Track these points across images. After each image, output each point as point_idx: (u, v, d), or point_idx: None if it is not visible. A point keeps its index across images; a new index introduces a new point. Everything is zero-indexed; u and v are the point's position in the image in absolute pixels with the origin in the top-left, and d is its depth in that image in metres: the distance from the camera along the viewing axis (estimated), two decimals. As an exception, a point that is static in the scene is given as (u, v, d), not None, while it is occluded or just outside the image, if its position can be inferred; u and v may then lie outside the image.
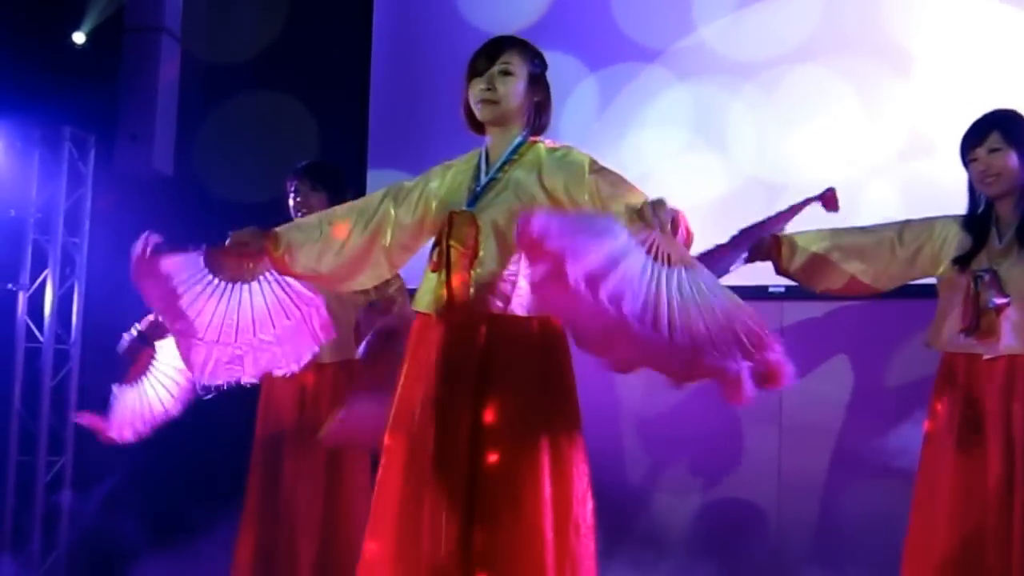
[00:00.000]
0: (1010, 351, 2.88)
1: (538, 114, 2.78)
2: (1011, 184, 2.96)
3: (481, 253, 2.67)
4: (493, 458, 2.58)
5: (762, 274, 3.58)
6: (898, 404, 3.60)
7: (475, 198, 2.74)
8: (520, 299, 2.65)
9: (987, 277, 2.89)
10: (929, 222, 3.07)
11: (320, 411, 3.56)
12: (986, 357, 2.89)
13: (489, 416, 2.61)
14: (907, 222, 3.10)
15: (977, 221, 3.02)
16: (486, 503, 2.57)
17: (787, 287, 3.79)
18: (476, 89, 2.74)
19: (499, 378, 2.64)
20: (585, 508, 2.63)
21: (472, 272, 2.66)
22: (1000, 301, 2.86)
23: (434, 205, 2.81)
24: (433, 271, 2.75)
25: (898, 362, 3.76)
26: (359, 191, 4.08)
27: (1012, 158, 2.96)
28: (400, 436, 2.71)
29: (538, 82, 2.78)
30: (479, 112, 2.75)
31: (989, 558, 2.82)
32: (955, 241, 3.01)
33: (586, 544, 2.62)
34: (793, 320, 4.01)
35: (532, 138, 2.78)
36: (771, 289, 3.86)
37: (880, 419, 3.78)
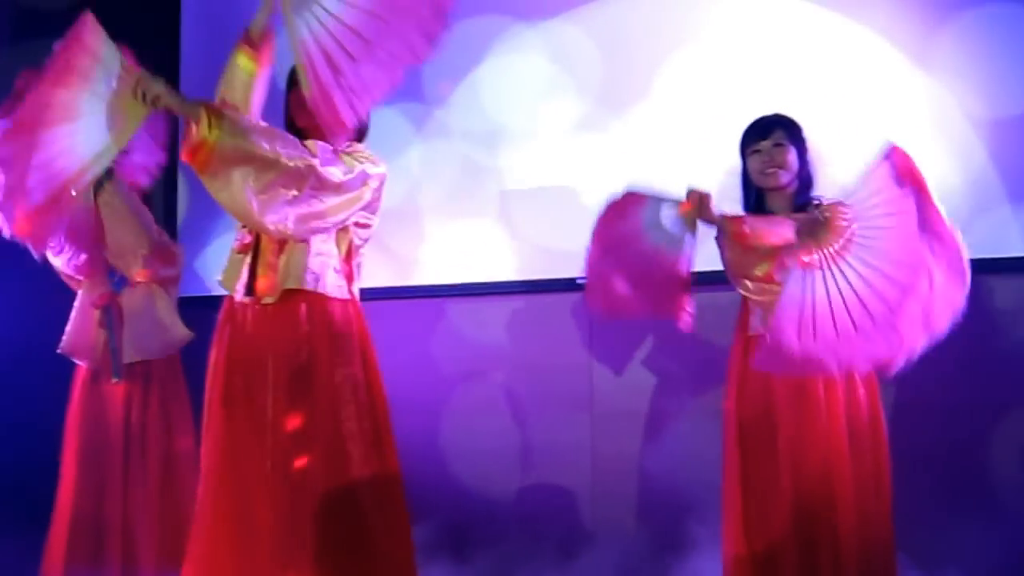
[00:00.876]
0: None
1: None
2: (789, 179, 3.07)
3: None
4: (304, 458, 2.59)
5: (571, 267, 3.65)
6: (709, 387, 3.64)
7: None
8: (333, 280, 2.67)
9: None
10: None
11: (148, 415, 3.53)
12: None
13: (302, 409, 2.62)
14: None
15: (754, 212, 3.13)
16: (305, 506, 2.58)
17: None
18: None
19: (316, 364, 2.65)
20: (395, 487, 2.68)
21: (281, 256, 2.65)
22: None
23: None
24: (240, 252, 2.72)
25: (708, 346, 3.72)
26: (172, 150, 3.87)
27: (793, 154, 3.10)
28: (213, 431, 2.69)
29: None
30: None
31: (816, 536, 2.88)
32: None
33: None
34: None
35: None
36: (578, 281, 3.67)
37: (689, 402, 3.86)
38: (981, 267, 3.17)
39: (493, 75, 4.24)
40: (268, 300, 2.66)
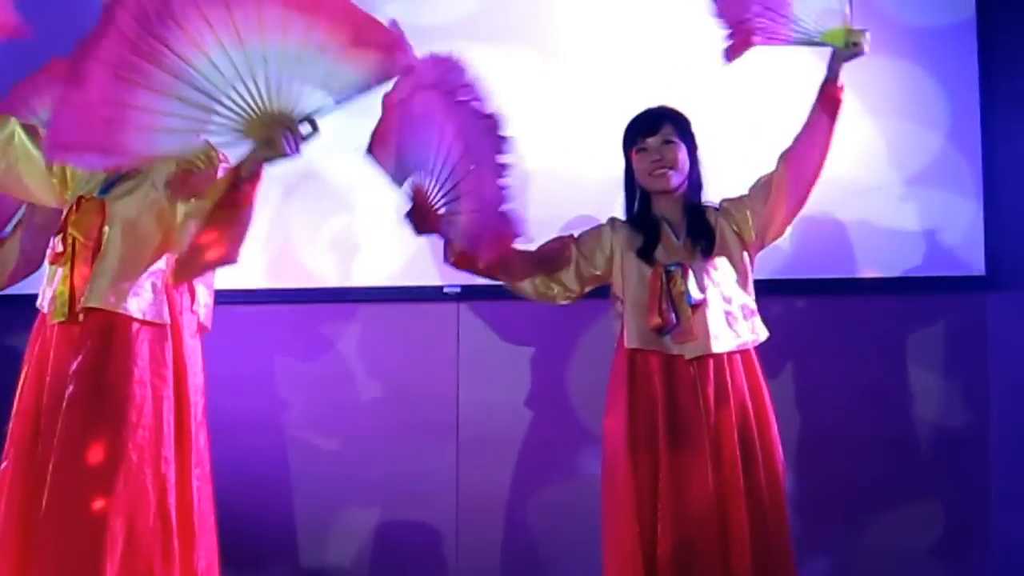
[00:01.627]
0: (710, 350, 2.76)
1: None
2: (680, 180, 2.85)
3: (105, 246, 2.53)
4: (93, 488, 2.46)
5: (435, 274, 3.48)
6: (581, 407, 3.50)
7: (109, 185, 2.58)
8: (139, 301, 2.54)
9: (680, 271, 2.76)
10: (595, 230, 2.94)
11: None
12: (688, 357, 2.75)
13: (92, 434, 2.48)
14: (578, 237, 2.96)
15: (642, 217, 2.89)
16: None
17: (463, 287, 3.60)
18: None
19: (107, 388, 2.52)
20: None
21: (90, 270, 2.53)
22: (698, 297, 2.74)
23: (69, 183, 2.61)
24: (52, 263, 2.60)
25: (581, 363, 3.61)
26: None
27: (683, 152, 2.86)
28: (12, 460, 2.54)
29: None
30: None
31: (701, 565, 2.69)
32: (627, 240, 2.87)
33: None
34: (470, 323, 3.76)
35: None
36: (446, 290, 3.63)
37: (563, 423, 3.65)
38: (891, 287, 3.30)
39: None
40: (59, 319, 2.55)
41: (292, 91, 2.14)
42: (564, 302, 2.88)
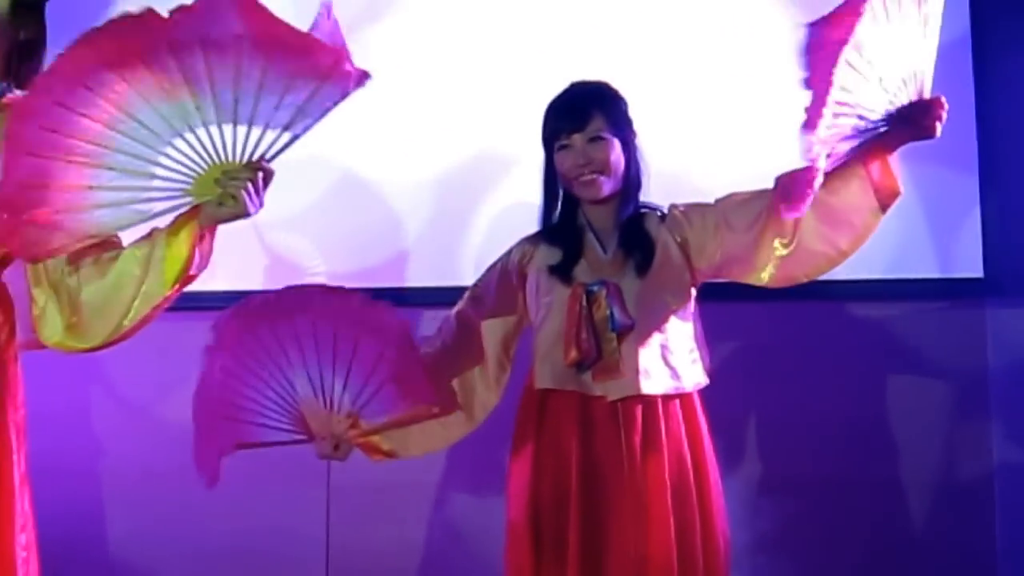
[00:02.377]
0: (639, 390, 2.39)
1: None
2: (613, 185, 2.44)
3: None
4: None
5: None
6: (473, 452, 3.03)
7: None
8: None
9: (605, 291, 2.39)
10: (493, 270, 2.59)
11: None
12: (611, 399, 2.38)
13: None
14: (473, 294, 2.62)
15: (562, 227, 2.52)
16: None
17: None
18: None
19: None
20: None
21: None
22: (625, 322, 2.38)
23: None
24: None
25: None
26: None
27: (616, 149, 2.44)
28: None
29: None
30: None
31: None
32: (543, 257, 2.50)
33: None
34: None
35: None
36: None
37: (456, 470, 3.35)
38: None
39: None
40: None
41: (238, 135, 2.00)
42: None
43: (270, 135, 2.00)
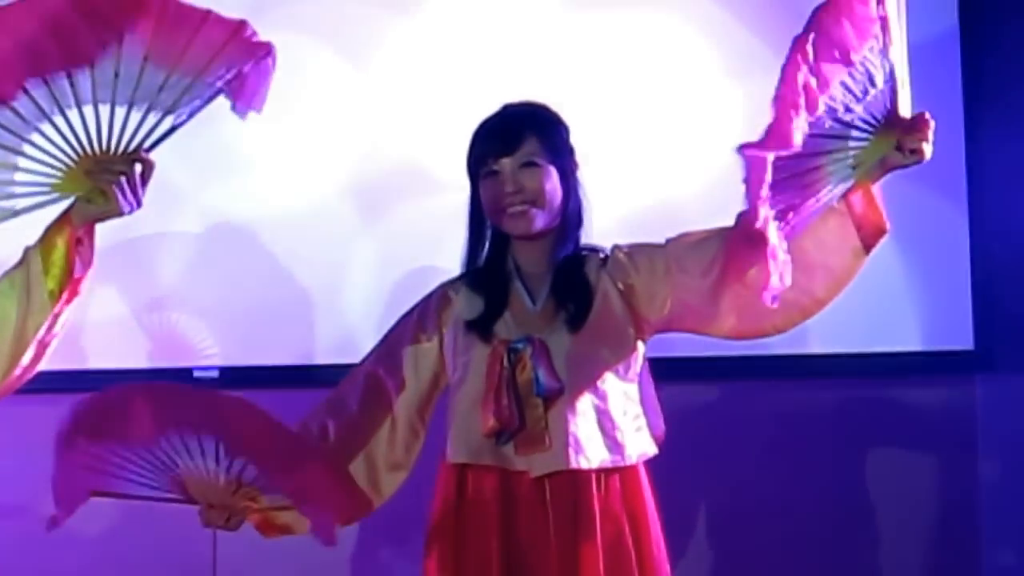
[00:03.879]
0: (568, 464, 2.18)
1: None
2: (548, 219, 2.23)
3: None
4: None
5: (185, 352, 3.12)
6: (388, 525, 2.87)
7: None
8: None
9: (530, 349, 2.18)
10: (403, 323, 2.40)
11: None
12: (534, 474, 2.18)
13: None
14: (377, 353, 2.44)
15: (486, 272, 2.32)
16: None
17: (222, 369, 3.10)
18: None
19: None
20: None
21: None
22: (551, 385, 2.17)
23: None
24: None
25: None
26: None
27: (552, 178, 2.23)
28: None
29: None
30: None
31: None
32: (462, 308, 2.30)
33: None
34: None
35: None
36: (197, 374, 3.06)
37: (371, 545, 3.15)
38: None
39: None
40: None
41: (116, 119, 1.92)
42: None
43: (151, 120, 1.90)
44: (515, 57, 3.24)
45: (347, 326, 3.16)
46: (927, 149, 2.02)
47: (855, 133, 1.99)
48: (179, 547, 3.13)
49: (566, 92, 2.83)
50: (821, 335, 3.19)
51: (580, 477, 2.17)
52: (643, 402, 2.30)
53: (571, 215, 2.26)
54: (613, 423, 2.21)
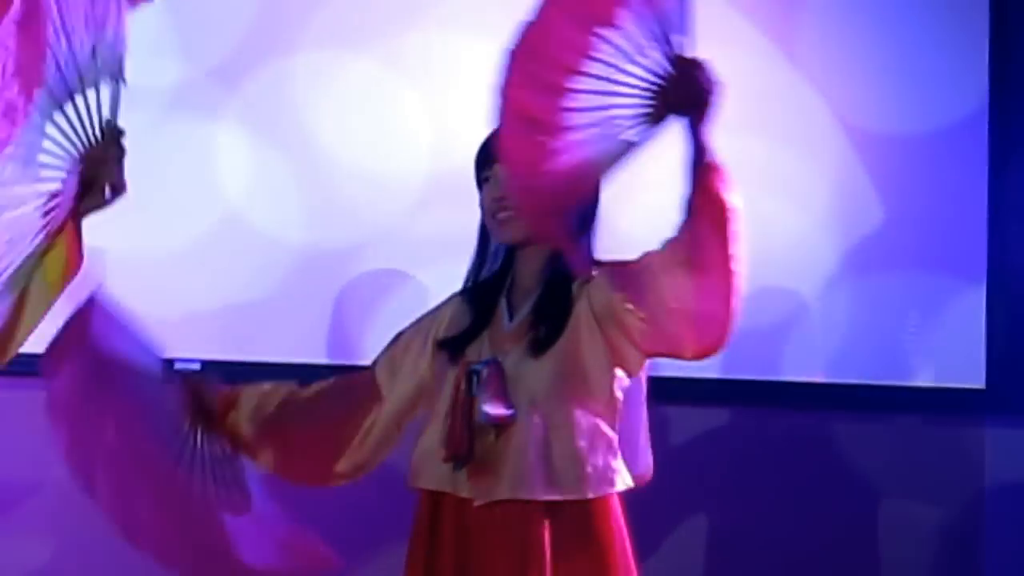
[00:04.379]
0: (507, 495, 2.10)
1: None
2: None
3: None
4: None
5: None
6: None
7: None
8: None
9: (485, 372, 2.11)
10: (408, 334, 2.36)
11: None
12: (477, 503, 2.11)
13: None
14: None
15: (483, 286, 2.27)
16: None
17: (205, 363, 3.03)
18: None
19: None
20: None
21: None
22: (497, 412, 2.10)
23: None
24: None
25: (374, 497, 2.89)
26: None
27: None
28: None
29: None
30: None
31: None
32: (447, 325, 2.27)
33: None
34: None
35: None
36: (178, 365, 2.91)
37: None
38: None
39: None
40: None
41: (92, 106, 1.96)
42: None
43: (105, 91, 1.92)
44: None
45: (337, 325, 3.11)
46: (710, 98, 1.91)
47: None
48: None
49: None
50: (831, 364, 3.21)
51: (530, 508, 2.09)
52: (626, 436, 2.20)
53: (582, 213, 2.15)
54: (571, 455, 2.11)
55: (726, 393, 3.19)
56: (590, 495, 2.09)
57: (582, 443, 2.10)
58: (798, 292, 3.21)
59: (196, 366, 3.04)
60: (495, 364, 2.11)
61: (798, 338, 3.24)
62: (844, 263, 3.25)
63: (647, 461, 2.23)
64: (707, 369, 2.94)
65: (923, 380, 3.24)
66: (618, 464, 2.13)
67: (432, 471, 2.14)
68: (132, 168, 2.12)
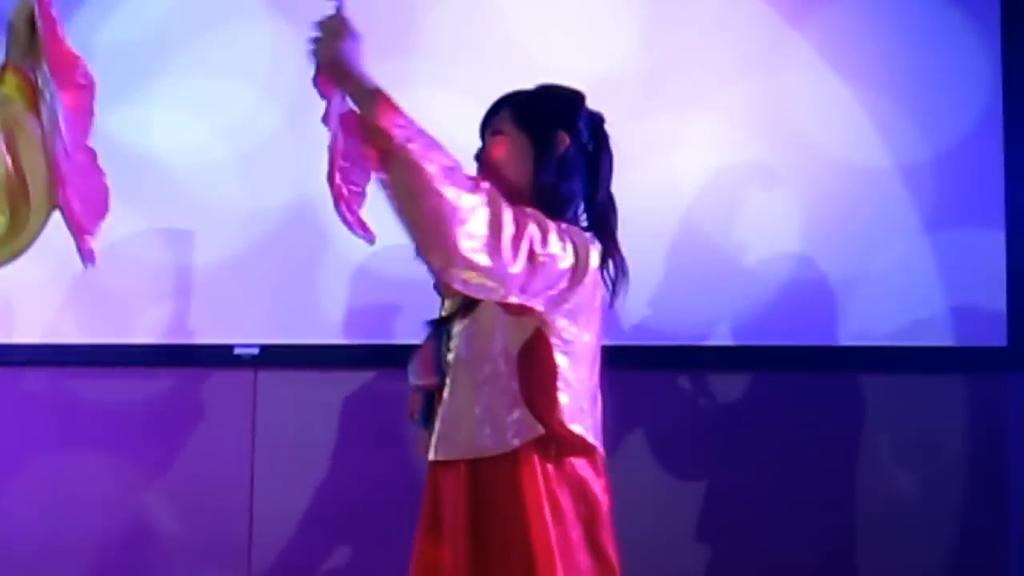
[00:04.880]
0: (434, 456, 2.12)
1: None
2: (506, 188, 1.95)
3: None
4: None
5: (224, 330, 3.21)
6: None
7: None
8: None
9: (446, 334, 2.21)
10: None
11: None
12: (430, 459, 2.13)
13: None
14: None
15: None
16: None
17: (263, 347, 3.20)
18: None
19: None
20: None
21: None
22: (420, 382, 2.26)
23: None
24: None
25: (394, 437, 3.06)
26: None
27: (505, 146, 2.08)
28: None
29: None
30: None
31: None
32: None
33: None
34: (270, 393, 3.29)
35: None
36: (238, 351, 3.16)
37: (372, 509, 3.21)
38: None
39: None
40: None
41: None
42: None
43: None
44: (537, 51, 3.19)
45: (384, 307, 3.15)
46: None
47: None
48: (215, 528, 3.29)
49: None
50: (852, 328, 3.21)
51: (459, 467, 2.06)
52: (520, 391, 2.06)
53: (539, 190, 2.06)
54: (484, 411, 2.06)
55: (752, 359, 3.18)
56: (501, 449, 2.03)
57: (489, 399, 2.05)
58: (816, 259, 3.17)
59: (255, 351, 3.18)
60: (431, 335, 2.17)
61: (823, 303, 3.23)
62: (868, 228, 3.22)
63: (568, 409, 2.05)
64: (737, 336, 3.15)
65: (947, 341, 3.21)
66: (523, 415, 2.03)
67: (426, 442, 2.17)
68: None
